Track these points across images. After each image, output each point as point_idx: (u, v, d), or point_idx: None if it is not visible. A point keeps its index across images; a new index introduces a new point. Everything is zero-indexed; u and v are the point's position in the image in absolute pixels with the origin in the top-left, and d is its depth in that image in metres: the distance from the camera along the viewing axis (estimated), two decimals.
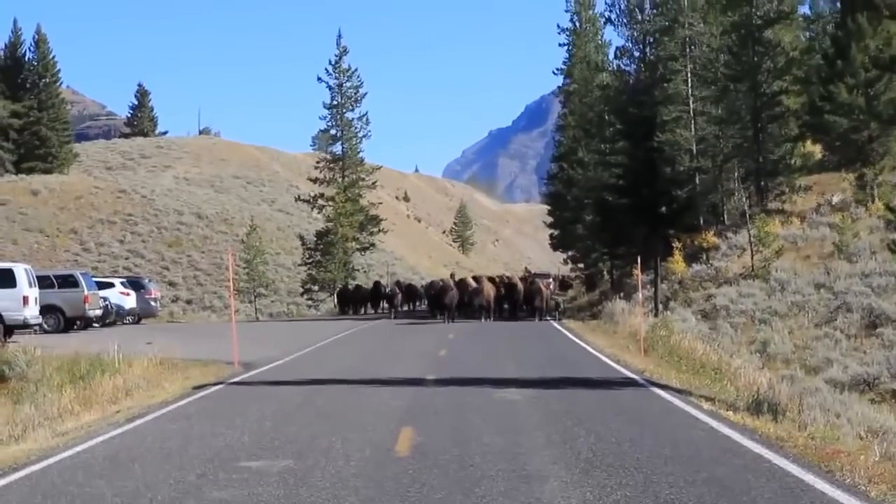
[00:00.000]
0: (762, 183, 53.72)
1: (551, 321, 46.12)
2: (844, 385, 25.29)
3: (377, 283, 66.46)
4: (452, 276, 62.11)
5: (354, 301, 65.21)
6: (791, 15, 58.48)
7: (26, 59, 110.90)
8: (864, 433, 15.33)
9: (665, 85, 58.02)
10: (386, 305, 60.52)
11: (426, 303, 52.90)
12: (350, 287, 67.16)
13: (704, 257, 50.19)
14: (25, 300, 36.82)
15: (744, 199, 52.56)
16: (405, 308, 58.23)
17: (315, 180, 75.65)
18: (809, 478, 10.86)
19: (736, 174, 56.54)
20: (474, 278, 54.28)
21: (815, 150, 59.83)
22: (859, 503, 9.61)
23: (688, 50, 58.04)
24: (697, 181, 55.77)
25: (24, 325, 37.14)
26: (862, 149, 49.72)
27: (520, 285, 51.23)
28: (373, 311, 63.03)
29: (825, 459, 11.87)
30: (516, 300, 50.84)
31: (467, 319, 47.74)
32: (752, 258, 44.94)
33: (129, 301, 50.98)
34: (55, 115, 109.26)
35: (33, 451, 13.94)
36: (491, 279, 54.99)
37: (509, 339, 36.91)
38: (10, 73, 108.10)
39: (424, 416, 16.39)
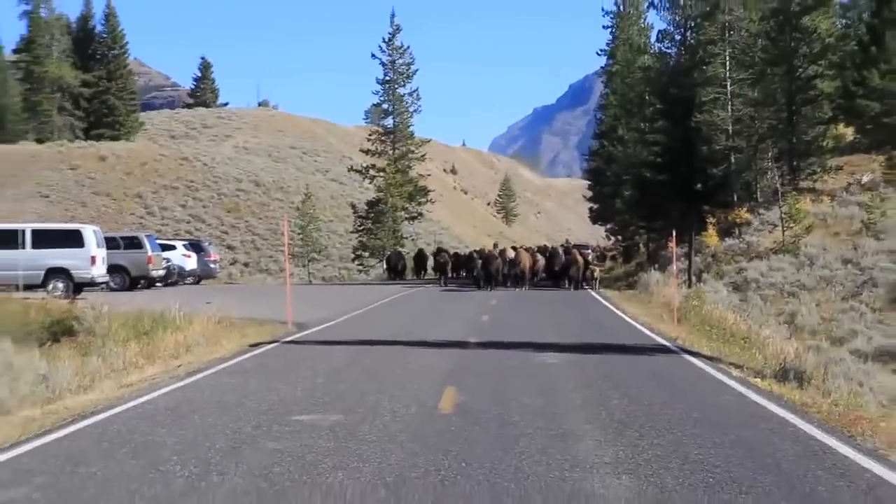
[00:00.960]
0: (795, 163, 53.30)
1: (589, 290, 45.92)
2: (868, 356, 25.11)
3: (421, 251, 66.76)
4: (496, 245, 62.01)
5: (404, 268, 65.15)
6: (828, 2, 57.99)
7: (96, 31, 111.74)
8: (885, 401, 15.29)
9: (704, 67, 57.51)
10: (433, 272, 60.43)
11: (466, 272, 52.22)
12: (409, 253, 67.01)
13: (737, 232, 49.98)
14: (93, 260, 37.10)
15: (776, 178, 52.16)
16: (454, 276, 57.89)
17: (367, 152, 75.68)
18: (832, 442, 10.86)
19: (770, 154, 56.08)
20: (513, 248, 54.05)
21: (847, 132, 59.31)
22: (879, 466, 9.59)
23: (727, 34, 57.50)
24: (732, 160, 55.39)
25: (92, 283, 37.47)
26: (893, 132, 49.27)
27: (561, 255, 50.74)
28: (415, 277, 62.92)
29: (847, 425, 11.85)
30: (555, 269, 50.42)
31: (506, 288, 47.64)
32: (783, 234, 44.71)
33: (190, 262, 51.26)
34: (123, 85, 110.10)
35: (100, 401, 14.11)
36: (528, 249, 54.75)
37: (549, 306, 36.88)
38: (81, 45, 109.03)
39: (467, 376, 16.43)
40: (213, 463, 9.77)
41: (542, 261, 51.05)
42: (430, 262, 61.90)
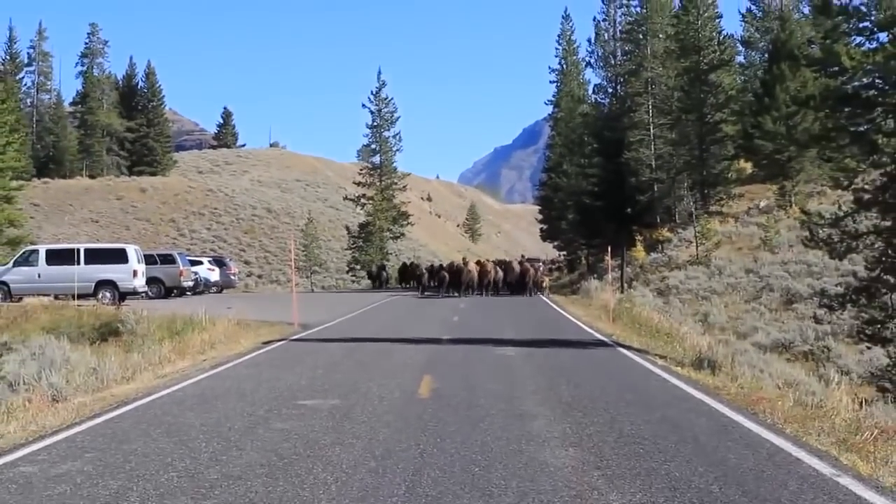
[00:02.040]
0: (706, 191, 53.47)
1: (540, 296, 45.84)
2: (767, 347, 25.25)
3: (404, 265, 66.23)
4: (464, 259, 61.82)
5: (388, 278, 64.73)
6: (730, 63, 58.83)
7: (139, 87, 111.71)
8: (781, 384, 15.25)
9: (631, 114, 57.92)
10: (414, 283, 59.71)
11: (437, 281, 51.12)
12: (407, 264, 65.70)
13: (660, 248, 50.17)
14: (135, 273, 36.94)
15: (691, 203, 52.39)
16: (431, 284, 57.35)
17: (359, 184, 75.43)
18: (739, 418, 10.84)
19: (686, 184, 56.33)
20: (477, 262, 53.21)
21: (747, 166, 59.58)
22: (777, 438, 9.57)
23: (650, 87, 57.92)
24: (655, 189, 55.61)
25: (134, 293, 37.30)
26: (783, 166, 49.49)
27: (515, 268, 50.29)
28: (399, 287, 62.45)
29: (751, 404, 11.83)
30: (510, 279, 50.00)
31: (472, 295, 47.27)
32: (696, 249, 44.91)
33: (214, 275, 51.04)
34: (160, 130, 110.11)
35: (140, 390, 14.00)
36: (489, 262, 53.94)
37: (507, 309, 36.86)
38: (125, 98, 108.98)
39: (440, 367, 16.38)
40: (233, 441, 9.68)
41: (500, 273, 50.51)
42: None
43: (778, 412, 11.17)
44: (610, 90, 65.35)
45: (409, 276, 60.23)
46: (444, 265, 53.20)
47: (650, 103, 57.46)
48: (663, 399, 12.49)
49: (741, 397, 12.56)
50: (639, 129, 57.15)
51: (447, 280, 48.06)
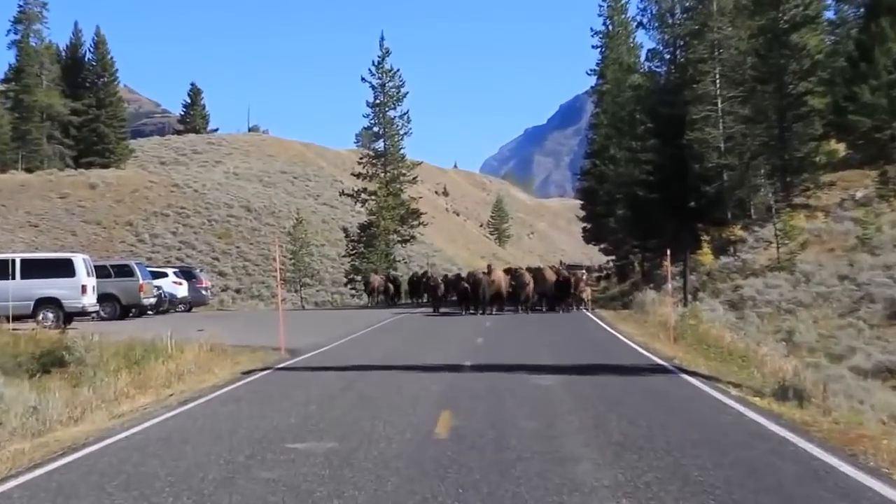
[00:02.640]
0: (787, 179, 53.32)
1: (583, 311, 45.57)
2: (867, 372, 25.14)
3: (424, 275, 65.12)
4: (489, 266, 61.71)
5: (397, 292, 64.43)
6: (816, 19, 58.16)
7: (86, 59, 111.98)
8: (886, 419, 15.21)
9: (694, 86, 57.73)
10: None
11: (458, 295, 50.41)
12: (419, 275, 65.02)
13: (732, 250, 49.97)
14: (84, 289, 37.09)
15: (770, 195, 52.20)
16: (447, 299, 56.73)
17: (358, 175, 75.66)
18: (833, 461, 10.78)
19: (762, 170, 56.14)
20: (506, 270, 52.61)
21: (839, 148, 59.43)
22: (882, 485, 9.51)
23: (716, 52, 57.74)
24: (725, 177, 55.50)
25: (83, 313, 37.49)
26: (884, 147, 49.38)
27: (549, 276, 48.68)
28: (409, 301, 62.17)
29: (849, 443, 11.78)
30: (541, 291, 48.75)
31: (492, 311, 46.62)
32: (777, 251, 44.73)
33: (182, 290, 51.25)
34: (112, 112, 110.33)
35: (91, 433, 14.02)
36: (514, 271, 53.04)
37: (544, 328, 36.82)
38: (70, 73, 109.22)
39: (462, 400, 16.38)
40: (207, 494, 9.68)
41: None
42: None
43: (882, 453, 11.11)
44: (667, 56, 65.14)
45: (422, 289, 60.13)
46: (464, 275, 52.64)
47: (717, 72, 57.34)
48: (738, 438, 12.44)
49: (836, 435, 12.50)
50: (704, 103, 57.03)
51: (468, 293, 47.55)
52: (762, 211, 54.08)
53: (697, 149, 53.81)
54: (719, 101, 56.55)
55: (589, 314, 43.70)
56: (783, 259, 43.65)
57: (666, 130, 51.97)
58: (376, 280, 62.66)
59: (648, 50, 66.05)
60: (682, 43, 62.07)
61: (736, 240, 51.28)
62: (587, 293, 48.97)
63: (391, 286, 63.53)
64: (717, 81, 56.99)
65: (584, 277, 50.13)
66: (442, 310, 48.92)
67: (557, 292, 47.50)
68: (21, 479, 10.82)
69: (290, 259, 68.73)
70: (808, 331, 33.24)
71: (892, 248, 40.90)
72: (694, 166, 52.16)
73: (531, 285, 47.66)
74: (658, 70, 64.98)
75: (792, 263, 42.68)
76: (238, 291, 76.32)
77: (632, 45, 75.02)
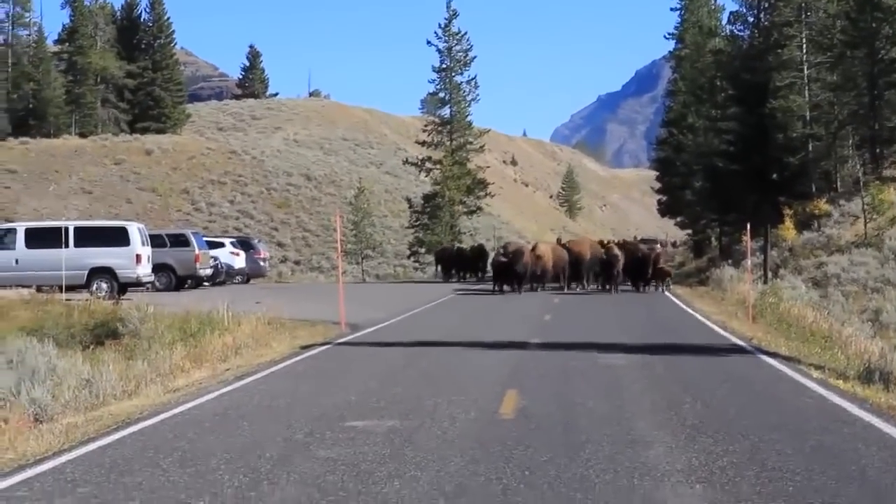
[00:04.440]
0: (878, 150, 52.76)
1: (661, 290, 44.25)
2: None
3: (481, 247, 63.70)
4: (559, 240, 61.27)
5: (458, 265, 61.11)
6: None
7: (141, 20, 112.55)
8: None
9: (779, 51, 57.00)
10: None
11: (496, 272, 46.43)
12: (452, 248, 63.83)
13: (816, 225, 49.55)
14: (138, 258, 37.37)
15: (858, 167, 51.72)
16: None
17: (423, 143, 75.59)
18: None
19: (850, 141, 55.57)
20: (567, 243, 50.50)
21: None
22: None
23: (803, 15, 57.01)
24: (810, 148, 54.90)
25: (137, 283, 37.80)
26: None
27: (616, 254, 45.24)
28: (474, 278, 59.72)
29: None
30: (585, 267, 47.13)
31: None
32: (865, 226, 44.28)
33: (239, 261, 51.49)
34: (169, 75, 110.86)
35: (146, 407, 14.20)
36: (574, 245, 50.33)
37: (615, 304, 36.76)
38: (125, 34, 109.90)
39: (529, 379, 16.41)
40: (264, 472, 9.78)
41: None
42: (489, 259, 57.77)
43: None
44: (751, 19, 64.20)
45: (456, 263, 59.24)
46: (504, 250, 47.63)
47: (804, 36, 56.64)
48: (820, 422, 12.38)
49: None
50: (789, 69, 56.35)
51: (504, 268, 44.83)
52: (849, 184, 53.55)
53: (781, 118, 53.14)
54: (805, 68, 55.85)
55: (665, 292, 43.35)
56: (871, 235, 43.22)
57: (748, 98, 51.40)
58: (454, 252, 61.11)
59: (731, 12, 65.23)
60: (766, 5, 61.21)
61: (820, 214, 50.79)
62: (670, 272, 47.10)
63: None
64: (804, 46, 56.27)
65: (664, 253, 48.45)
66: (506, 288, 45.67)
67: (635, 270, 45.48)
68: (74, 454, 10.98)
69: (352, 230, 68.93)
70: None
71: None
72: (777, 136, 51.56)
73: (622, 262, 44.74)
74: (740, 34, 64.07)
75: (880, 240, 42.25)
76: (297, 263, 76.77)
77: (713, 7, 74.26)
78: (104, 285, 36.41)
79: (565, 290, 45.37)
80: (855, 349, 20.67)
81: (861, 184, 46.84)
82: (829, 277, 40.20)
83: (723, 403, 13.72)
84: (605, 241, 53.60)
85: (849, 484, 9.07)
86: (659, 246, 53.66)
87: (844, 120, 53.95)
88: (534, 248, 46.36)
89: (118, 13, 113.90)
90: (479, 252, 60.92)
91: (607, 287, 44.91)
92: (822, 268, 42.10)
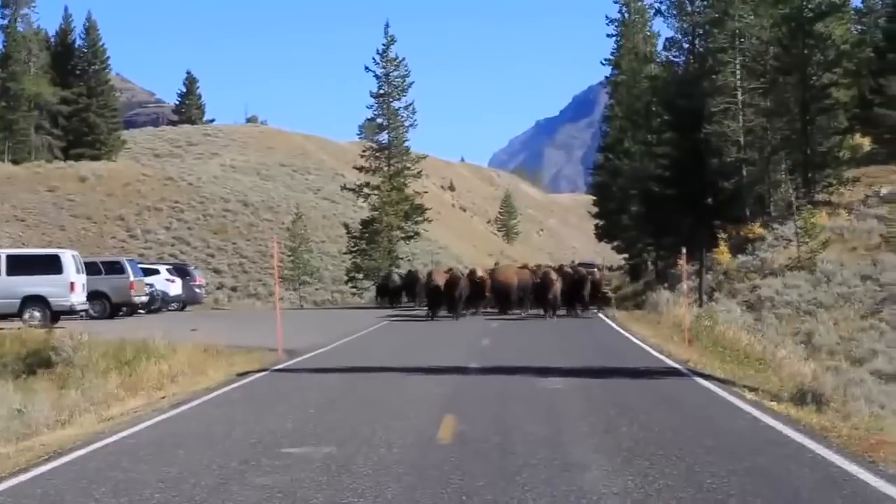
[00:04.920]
0: (809, 175, 53.34)
1: (599, 314, 44.46)
2: (889, 376, 25.15)
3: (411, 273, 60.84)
4: (497, 264, 61.36)
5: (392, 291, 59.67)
6: (843, 8, 58.19)
7: (76, 45, 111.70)
8: None
9: (714, 76, 57.73)
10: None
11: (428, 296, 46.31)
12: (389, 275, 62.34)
13: (750, 248, 49.97)
14: (72, 286, 37.11)
15: (791, 191, 52.26)
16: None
17: (361, 169, 75.56)
18: (853, 468, 10.82)
19: (783, 166, 56.20)
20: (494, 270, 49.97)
21: (864, 142, 59.55)
22: None
23: (737, 42, 57.69)
24: (744, 172, 55.52)
25: (71, 311, 37.51)
26: None
27: (554, 277, 44.53)
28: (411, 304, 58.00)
29: (869, 450, 11.83)
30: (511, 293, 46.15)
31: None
32: (798, 249, 44.74)
33: (175, 288, 51.26)
34: (104, 101, 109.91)
35: (79, 437, 14.08)
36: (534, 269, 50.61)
37: (552, 328, 36.90)
38: (60, 60, 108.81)
39: (467, 403, 16.45)
40: (199, 501, 9.75)
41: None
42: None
43: None
44: (686, 45, 65.17)
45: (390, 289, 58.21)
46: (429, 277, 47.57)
47: (738, 62, 57.34)
48: (754, 444, 12.50)
49: (856, 441, 12.55)
50: (723, 95, 57.04)
51: (441, 293, 44.36)
52: (782, 208, 54.10)
53: (716, 143, 53.78)
54: (739, 93, 56.56)
55: (600, 315, 43.54)
56: (803, 258, 43.65)
57: (683, 123, 51.90)
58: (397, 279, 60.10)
59: (666, 39, 66.29)
60: (701, 32, 62.11)
61: (754, 238, 51.28)
62: (611, 297, 46.72)
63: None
64: (738, 72, 56.98)
65: (603, 277, 47.89)
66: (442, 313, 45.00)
67: (573, 295, 44.77)
68: (5, 485, 10.90)
69: (289, 256, 68.71)
70: (829, 333, 33.29)
71: None
72: (712, 161, 52.12)
73: (559, 285, 44.19)
74: (676, 60, 65.05)
75: (812, 263, 42.67)
76: (234, 289, 76.37)
77: (649, 33, 74.90)
78: (37, 314, 36.11)
79: (502, 315, 45.20)
80: (788, 371, 20.92)
81: (794, 208, 47.31)
82: (762, 300, 40.54)
83: (659, 426, 13.80)
84: (535, 266, 53.41)
85: None
86: (596, 271, 53.44)
87: (777, 145, 54.57)
88: (471, 273, 46.42)
89: (52, 39, 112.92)
90: (413, 279, 60.39)
91: (543, 312, 44.20)
92: (755, 291, 42.46)
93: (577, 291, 44.69)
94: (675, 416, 14.99)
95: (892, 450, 11.74)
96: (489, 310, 47.03)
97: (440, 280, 44.64)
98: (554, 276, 44.63)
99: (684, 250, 36.59)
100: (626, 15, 74.38)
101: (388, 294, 58.92)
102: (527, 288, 46.49)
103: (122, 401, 17.81)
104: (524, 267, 52.54)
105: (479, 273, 46.39)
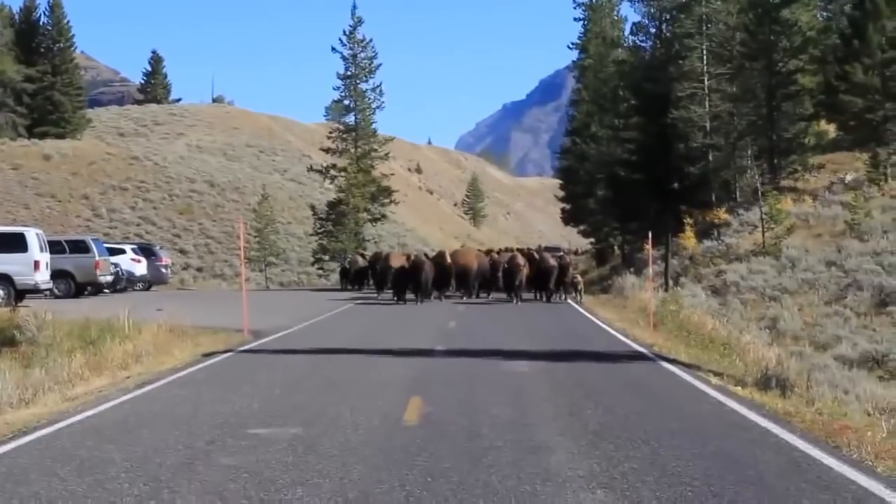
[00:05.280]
0: (775, 161, 53.54)
1: (571, 302, 42.96)
2: (853, 362, 25.29)
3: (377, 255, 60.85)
4: (463, 246, 61.38)
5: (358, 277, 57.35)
6: None
7: (41, 23, 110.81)
8: (871, 410, 15.31)
9: (680, 62, 57.83)
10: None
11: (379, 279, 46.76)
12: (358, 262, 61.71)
13: (716, 233, 50.17)
14: (37, 265, 36.92)
15: (756, 177, 52.42)
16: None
17: (327, 150, 75.35)
18: (816, 453, 10.90)
19: (749, 151, 56.37)
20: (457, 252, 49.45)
21: (830, 129, 59.80)
22: (865, 478, 9.61)
23: (704, 27, 57.79)
24: (710, 158, 55.67)
25: (35, 290, 37.29)
26: (876, 129, 49.66)
27: (520, 261, 44.21)
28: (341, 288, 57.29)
29: (832, 435, 11.90)
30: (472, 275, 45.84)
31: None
32: (763, 235, 44.91)
33: (140, 268, 51.05)
34: (69, 80, 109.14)
35: (43, 416, 13.99)
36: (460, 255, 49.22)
37: (518, 312, 36.93)
38: (24, 37, 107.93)
39: (433, 386, 16.44)
40: (164, 480, 9.70)
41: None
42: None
43: (867, 445, 11.21)
44: (653, 30, 65.18)
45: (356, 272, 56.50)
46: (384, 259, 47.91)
47: (705, 47, 57.45)
48: (718, 428, 12.59)
49: (819, 426, 12.65)
50: (690, 80, 57.16)
51: (406, 278, 43.79)
52: (748, 194, 54.32)
53: (682, 128, 53.89)
54: (706, 79, 56.68)
55: (568, 300, 43.45)
56: (769, 244, 43.83)
57: (650, 108, 51.97)
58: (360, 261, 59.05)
59: (633, 23, 66.13)
60: (668, 17, 62.12)
61: (720, 223, 51.48)
62: (580, 282, 45.36)
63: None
64: (704, 58, 57.10)
65: (571, 262, 46.83)
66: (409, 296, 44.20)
67: (538, 280, 44.41)
68: None
69: (255, 237, 68.48)
70: (793, 318, 33.40)
71: (882, 234, 41.14)
72: (678, 146, 52.22)
73: (525, 270, 43.79)
74: (643, 45, 65.07)
75: (777, 248, 42.85)
76: (200, 270, 76.10)
77: (616, 18, 74.97)
78: (1, 292, 35.89)
79: (467, 300, 45.04)
80: (753, 356, 20.98)
81: (759, 193, 47.46)
82: (728, 285, 40.68)
83: (624, 409, 13.85)
84: (498, 251, 53.21)
85: (746, 488, 9.20)
86: (562, 254, 53.05)
87: (743, 130, 54.73)
88: (440, 256, 46.14)
89: (16, 16, 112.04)
90: (376, 261, 59.38)
91: (509, 296, 43.72)
92: (721, 276, 42.61)
93: (545, 277, 43.95)
94: (640, 399, 15.04)
95: (855, 435, 11.82)
96: (454, 294, 46.74)
97: (396, 263, 44.60)
98: (521, 260, 44.34)
99: (650, 235, 36.75)
100: None
101: (350, 278, 57.74)
102: (486, 272, 46.36)
103: (87, 380, 17.70)
104: (489, 252, 52.31)
105: (448, 257, 46.03)
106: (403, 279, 43.84)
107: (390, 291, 45.09)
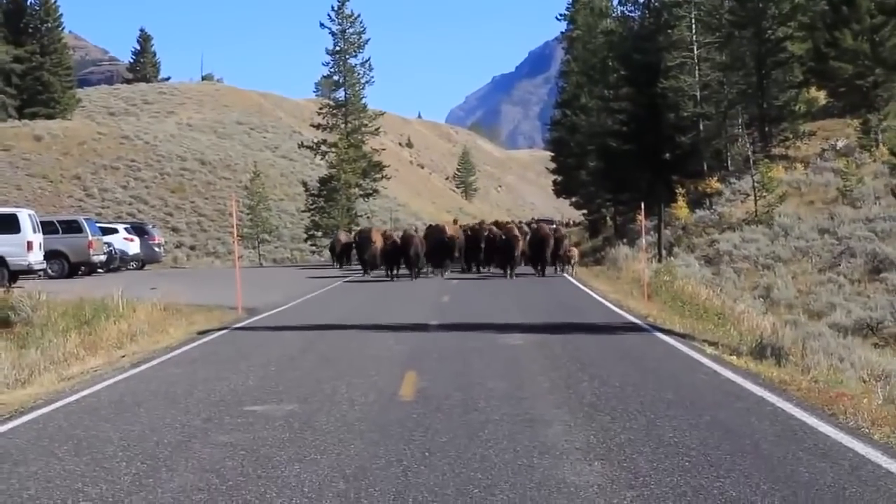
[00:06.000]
0: (766, 129, 53.57)
1: (564, 275, 42.28)
2: (848, 329, 25.28)
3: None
4: (455, 221, 61.52)
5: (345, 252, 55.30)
6: None
7: (28, 3, 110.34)
8: (867, 377, 15.35)
9: (669, 31, 57.68)
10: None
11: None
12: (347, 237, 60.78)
13: (708, 203, 50.16)
14: (30, 245, 36.86)
15: (748, 145, 52.46)
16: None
17: (318, 126, 75.30)
18: (812, 420, 10.91)
19: (740, 120, 56.41)
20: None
21: (820, 96, 59.78)
22: (862, 445, 9.62)
23: None
24: (701, 127, 55.67)
25: (29, 271, 37.25)
26: (867, 95, 49.62)
27: (514, 232, 43.86)
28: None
29: (828, 403, 11.91)
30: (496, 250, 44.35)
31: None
32: (755, 204, 44.90)
33: (133, 247, 51.01)
34: (58, 60, 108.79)
35: (39, 396, 13.98)
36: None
37: (512, 285, 36.93)
38: (12, 18, 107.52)
39: (428, 360, 16.41)
40: (162, 458, 9.68)
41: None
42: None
43: (863, 413, 11.22)
44: (641, 0, 65.20)
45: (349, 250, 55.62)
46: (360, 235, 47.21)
47: (693, 16, 57.37)
48: (714, 398, 12.59)
49: (815, 394, 12.66)
50: (679, 50, 57.04)
51: (398, 253, 43.07)
52: (739, 162, 54.32)
53: (672, 98, 53.84)
54: (695, 48, 56.62)
55: (565, 275, 42.63)
56: (761, 212, 43.84)
57: (639, 78, 51.99)
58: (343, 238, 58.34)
59: None
60: None
61: (712, 192, 51.47)
62: (574, 254, 44.36)
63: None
64: (693, 27, 57.03)
65: (564, 233, 46.31)
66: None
67: (533, 250, 43.41)
68: None
69: (247, 214, 68.50)
70: (787, 287, 33.44)
71: (875, 201, 41.18)
72: (668, 116, 52.24)
73: (522, 243, 43.21)
74: (631, 15, 64.79)
75: (770, 217, 42.88)
76: (193, 248, 76.03)
77: None
78: None
79: (462, 274, 44.70)
80: (747, 325, 21.04)
81: (751, 162, 47.45)
82: (721, 255, 40.70)
83: (620, 381, 13.84)
84: (482, 223, 51.70)
85: (743, 457, 9.20)
86: (555, 226, 52.56)
87: (734, 99, 54.75)
88: (441, 230, 45.11)
89: None
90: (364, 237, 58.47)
91: (504, 270, 42.93)
92: (714, 245, 42.63)
93: (541, 246, 42.93)
94: (635, 370, 15.04)
95: (851, 402, 11.82)
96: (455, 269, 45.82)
97: (377, 239, 44.26)
98: (517, 233, 43.98)
99: (643, 205, 36.70)
100: None
101: (338, 254, 56.64)
102: (462, 246, 45.49)
103: (82, 360, 17.67)
104: (481, 224, 51.29)
105: (449, 231, 45.35)
106: (395, 254, 43.23)
107: (376, 270, 44.54)
